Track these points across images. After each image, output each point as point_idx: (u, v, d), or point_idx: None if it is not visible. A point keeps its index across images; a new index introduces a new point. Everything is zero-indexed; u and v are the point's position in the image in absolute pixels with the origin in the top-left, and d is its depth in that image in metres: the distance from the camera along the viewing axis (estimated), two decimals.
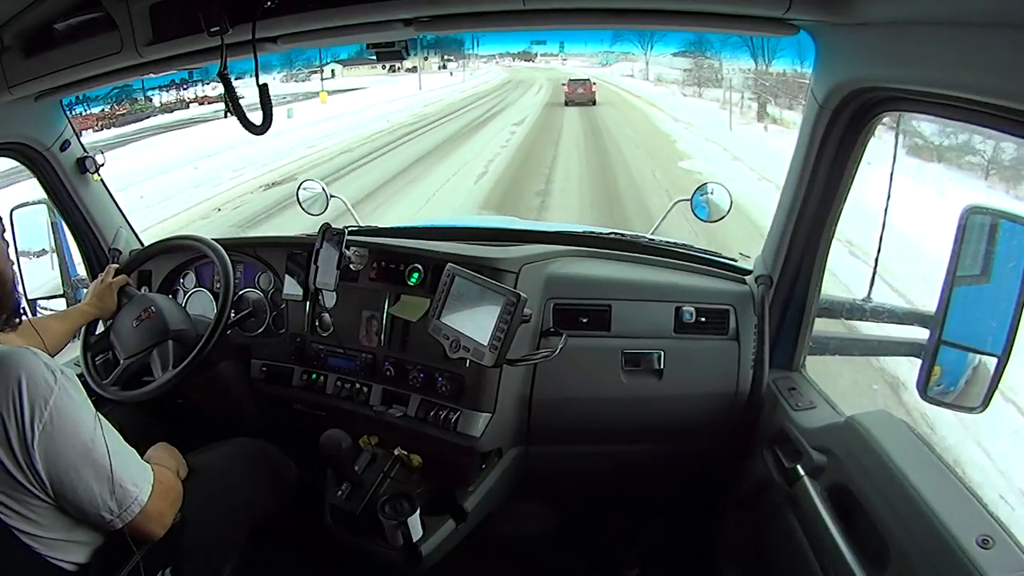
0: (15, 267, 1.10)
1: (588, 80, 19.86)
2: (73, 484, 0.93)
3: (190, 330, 1.54)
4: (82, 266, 1.84)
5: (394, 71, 26.39)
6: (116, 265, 1.61)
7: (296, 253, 1.59)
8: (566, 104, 18.64)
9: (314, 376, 1.57)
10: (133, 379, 1.49)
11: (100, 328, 1.60)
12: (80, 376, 1.33)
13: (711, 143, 12.29)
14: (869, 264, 1.51)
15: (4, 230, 1.08)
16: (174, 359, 1.48)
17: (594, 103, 18.60)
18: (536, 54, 35.35)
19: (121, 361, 1.48)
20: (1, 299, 1.02)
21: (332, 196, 1.89)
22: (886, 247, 1.44)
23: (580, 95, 18.62)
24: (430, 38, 1.31)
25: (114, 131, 15.17)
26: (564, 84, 19.96)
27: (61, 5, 1.19)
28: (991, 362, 0.99)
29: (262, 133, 1.16)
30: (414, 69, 27.57)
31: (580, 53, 33.20)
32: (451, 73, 31.74)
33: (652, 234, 1.75)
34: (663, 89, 23.43)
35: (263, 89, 1.15)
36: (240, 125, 1.15)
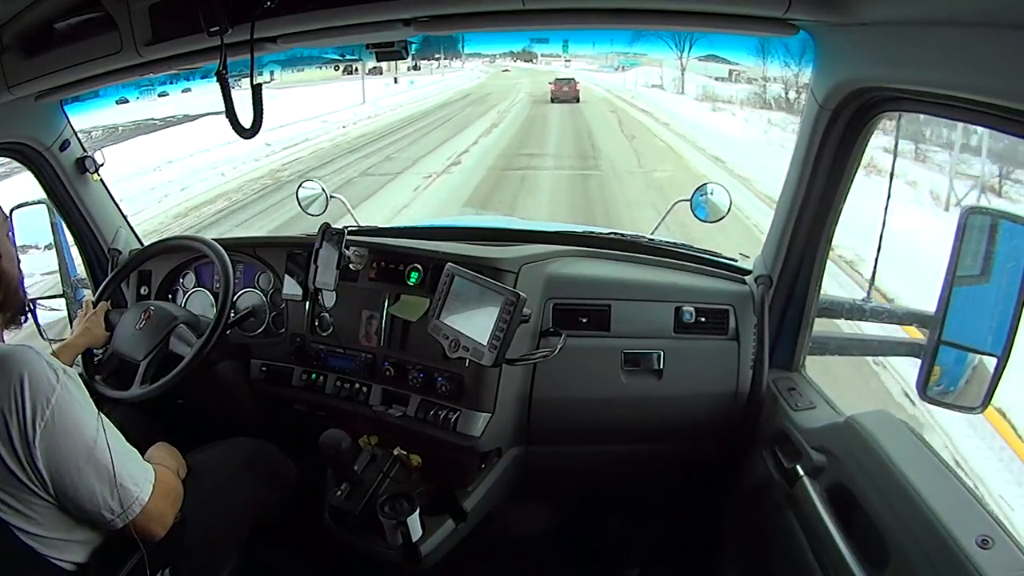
0: (19, 266, 1.09)
1: (572, 79, 20.59)
2: (74, 483, 0.93)
3: (195, 317, 1.56)
4: (82, 266, 1.85)
5: (350, 73, 21.99)
6: (93, 297, 1.61)
7: (296, 253, 1.59)
8: (552, 101, 19.34)
9: (314, 376, 1.57)
10: (157, 377, 1.47)
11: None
12: (91, 388, 1.32)
13: None
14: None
15: (9, 230, 1.08)
16: (196, 337, 1.49)
17: (578, 100, 19.36)
18: (537, 54, 29.37)
19: (140, 363, 1.47)
20: (7, 298, 1.02)
21: (332, 196, 1.89)
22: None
23: (565, 93, 19.60)
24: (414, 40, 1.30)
25: None
26: (551, 83, 20.40)
27: (61, 5, 1.19)
28: (991, 362, 0.99)
29: (252, 136, 1.15)
30: (378, 70, 22.18)
31: (586, 54, 27.55)
32: (395, 79, 24.10)
33: (652, 234, 1.75)
34: (728, 120, 14.21)
35: (256, 90, 1.15)
36: (231, 128, 1.15)
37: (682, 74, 19.81)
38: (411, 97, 21.86)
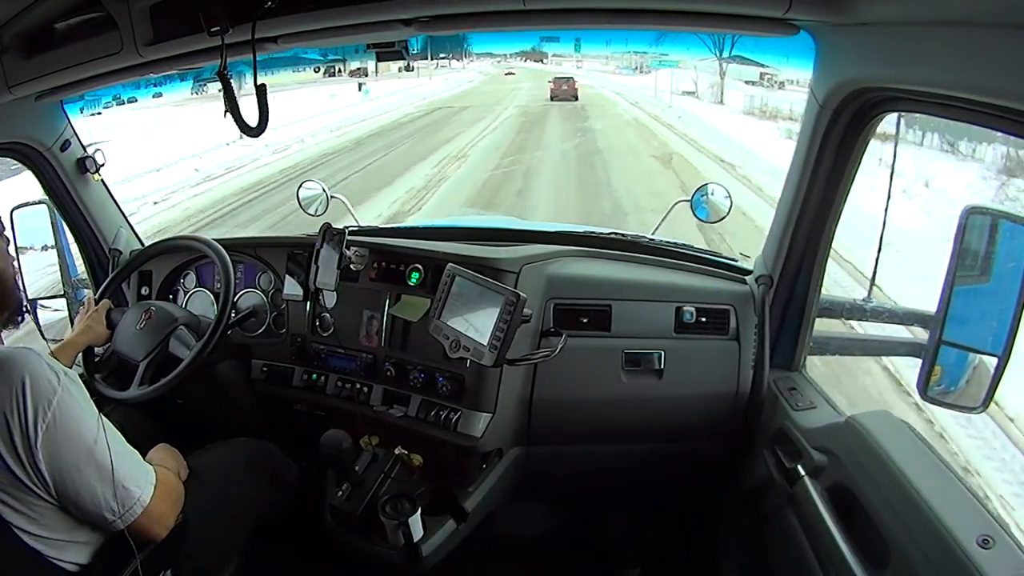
0: (16, 264, 1.09)
1: (571, 78, 20.04)
2: (76, 485, 0.93)
3: (195, 318, 1.56)
4: (82, 266, 1.84)
5: (332, 75, 19.66)
6: (94, 296, 1.60)
7: (296, 253, 1.59)
8: (551, 99, 18.86)
9: (314, 376, 1.57)
10: (155, 378, 1.47)
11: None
12: (91, 388, 1.31)
13: None
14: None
15: (3, 228, 1.07)
16: (195, 339, 1.49)
17: (576, 98, 18.64)
18: (547, 54, 26.55)
19: (139, 364, 1.47)
20: (1, 298, 1.02)
21: (333, 196, 1.89)
22: None
23: (564, 91, 19.20)
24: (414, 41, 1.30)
25: None
26: (550, 81, 20.01)
27: (61, 5, 1.19)
28: (991, 362, 0.99)
29: (258, 135, 1.15)
30: (361, 72, 19.77)
31: (600, 54, 24.61)
32: (360, 86, 20.11)
33: (653, 234, 1.75)
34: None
35: (260, 90, 1.15)
36: (237, 127, 1.15)
37: (721, 79, 15.24)
38: (339, 120, 14.90)
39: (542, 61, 27.00)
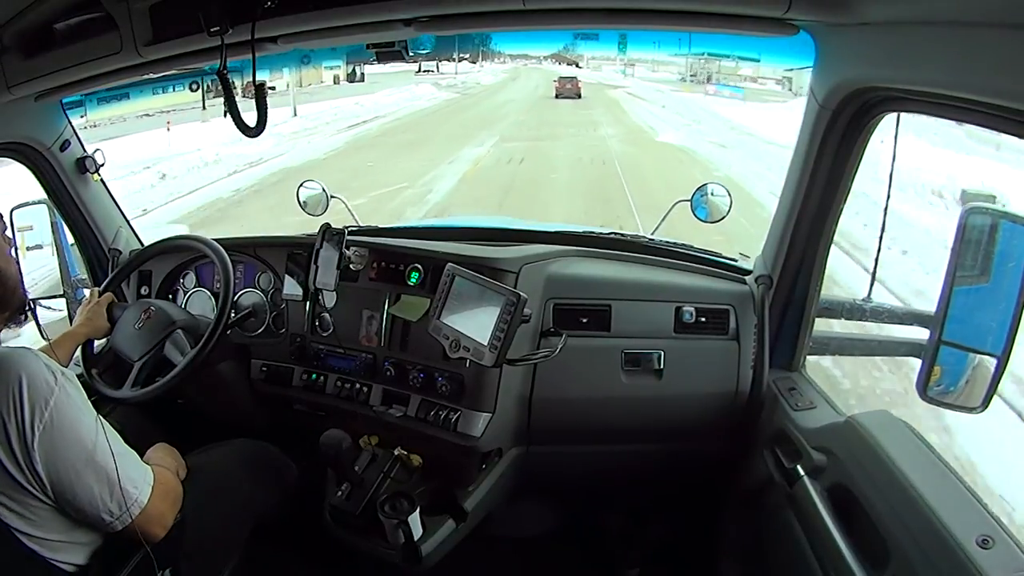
0: (17, 264, 1.09)
1: (575, 78, 20.08)
2: (73, 486, 0.93)
3: (194, 321, 1.55)
4: (82, 266, 1.84)
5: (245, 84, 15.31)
6: (99, 288, 1.59)
7: (296, 253, 1.59)
8: (556, 97, 18.99)
9: (314, 376, 1.57)
10: (148, 380, 1.46)
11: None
12: (85, 383, 1.31)
13: None
14: None
15: (5, 228, 1.07)
16: (191, 344, 1.48)
17: (579, 96, 18.89)
18: (581, 55, 21.84)
19: (134, 364, 1.46)
20: (2, 297, 1.02)
21: (332, 196, 1.89)
22: None
23: (568, 90, 19.42)
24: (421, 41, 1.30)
25: None
26: (555, 80, 20.05)
27: (61, 5, 1.19)
28: (991, 362, 0.99)
29: (256, 135, 1.15)
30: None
31: (650, 57, 20.15)
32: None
33: (652, 234, 1.75)
34: None
35: (259, 89, 1.14)
36: (236, 127, 1.14)
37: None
38: None
39: (577, 65, 22.22)
